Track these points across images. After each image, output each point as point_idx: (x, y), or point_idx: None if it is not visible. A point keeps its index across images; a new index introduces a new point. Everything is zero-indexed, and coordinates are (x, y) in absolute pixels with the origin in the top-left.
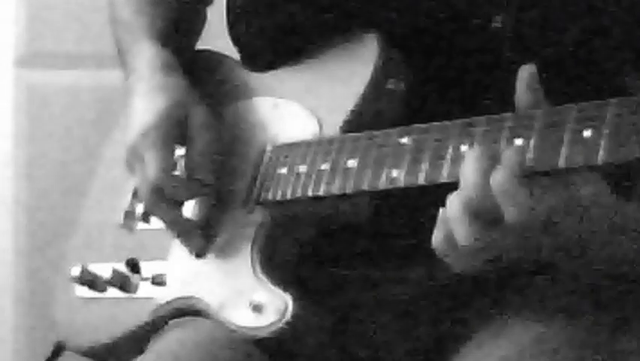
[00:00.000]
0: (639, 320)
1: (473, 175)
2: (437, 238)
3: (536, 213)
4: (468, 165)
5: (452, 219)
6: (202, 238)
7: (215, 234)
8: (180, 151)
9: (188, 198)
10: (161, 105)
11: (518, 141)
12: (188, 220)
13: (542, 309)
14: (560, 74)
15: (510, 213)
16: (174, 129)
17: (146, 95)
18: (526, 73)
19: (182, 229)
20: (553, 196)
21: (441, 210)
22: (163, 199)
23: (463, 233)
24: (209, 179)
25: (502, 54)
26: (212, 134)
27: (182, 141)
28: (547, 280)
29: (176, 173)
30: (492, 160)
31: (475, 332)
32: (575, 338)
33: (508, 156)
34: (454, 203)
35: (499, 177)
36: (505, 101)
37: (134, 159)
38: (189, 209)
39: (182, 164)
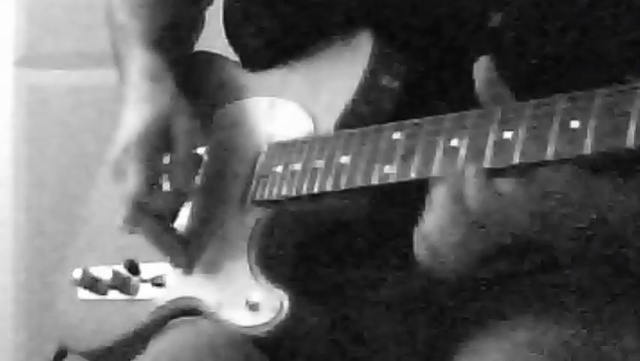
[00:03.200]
0: (638, 321)
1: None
2: (421, 253)
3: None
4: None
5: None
6: (187, 254)
7: (208, 240)
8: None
9: (170, 211)
10: (145, 118)
11: (507, 134)
12: (174, 236)
13: (540, 311)
14: (558, 73)
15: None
16: (157, 141)
17: (134, 105)
18: (482, 66)
19: (165, 245)
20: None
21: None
22: (146, 215)
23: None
24: (186, 187)
25: (499, 52)
26: (195, 143)
27: (169, 150)
28: (545, 283)
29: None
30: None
31: (473, 334)
32: (573, 341)
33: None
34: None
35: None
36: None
37: (117, 172)
38: (183, 216)
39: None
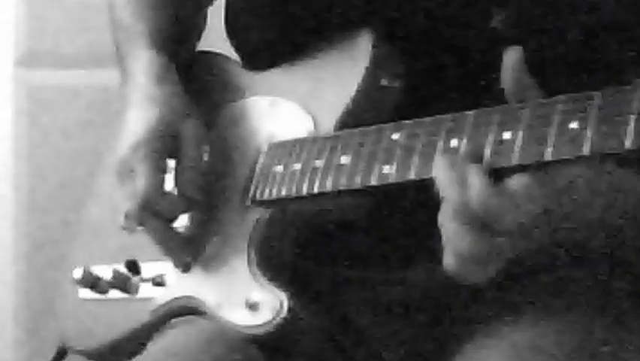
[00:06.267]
0: (638, 322)
1: (451, 188)
2: (446, 260)
3: (526, 210)
4: (441, 178)
5: (451, 236)
6: (188, 254)
7: (208, 239)
8: (171, 164)
9: (176, 215)
10: (153, 118)
11: (506, 135)
12: (176, 236)
13: (541, 311)
14: (559, 73)
15: (502, 221)
16: (165, 143)
17: (140, 105)
18: (511, 58)
19: (168, 245)
20: (538, 191)
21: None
22: (152, 214)
23: (465, 245)
24: (198, 196)
25: (500, 53)
26: (203, 149)
27: (174, 153)
28: (546, 282)
29: (166, 188)
30: (463, 167)
31: (473, 334)
32: (573, 342)
33: (474, 174)
34: (445, 219)
35: (474, 192)
36: (502, 101)
37: (124, 171)
38: (184, 215)
39: (172, 178)
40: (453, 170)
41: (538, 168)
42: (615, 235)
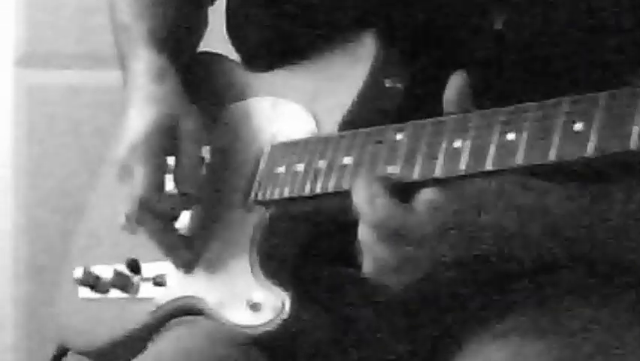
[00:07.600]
0: (638, 321)
1: (365, 205)
2: (365, 266)
3: (436, 220)
4: (357, 194)
5: (370, 248)
6: (190, 254)
7: (210, 240)
8: (172, 162)
9: (177, 214)
10: (151, 118)
11: (510, 136)
12: (177, 236)
13: (540, 311)
14: (560, 74)
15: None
16: (163, 142)
17: (139, 105)
18: (456, 83)
19: (169, 245)
20: (445, 204)
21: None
22: (151, 215)
23: (381, 255)
24: (194, 191)
25: (502, 55)
26: (202, 146)
27: (174, 151)
28: (545, 283)
29: (168, 185)
30: (378, 183)
31: (474, 334)
32: (573, 341)
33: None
34: (362, 234)
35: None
36: (505, 103)
37: (123, 172)
38: (185, 215)
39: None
40: (366, 189)
41: (444, 181)
42: (545, 246)
